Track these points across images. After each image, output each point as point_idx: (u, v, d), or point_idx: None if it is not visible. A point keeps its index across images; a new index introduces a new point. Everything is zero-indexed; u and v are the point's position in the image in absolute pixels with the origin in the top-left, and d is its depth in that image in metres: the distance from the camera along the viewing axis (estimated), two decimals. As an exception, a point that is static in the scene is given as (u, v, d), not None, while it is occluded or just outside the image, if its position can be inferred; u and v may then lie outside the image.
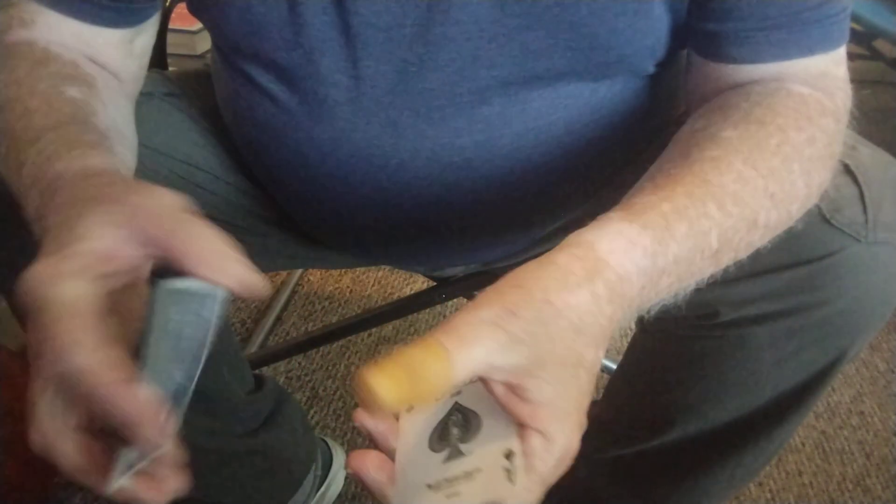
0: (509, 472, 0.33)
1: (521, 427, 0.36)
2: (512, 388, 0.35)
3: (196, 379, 0.38)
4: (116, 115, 0.52)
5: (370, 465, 0.37)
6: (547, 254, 0.38)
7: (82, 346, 0.33)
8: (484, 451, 0.36)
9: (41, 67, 0.50)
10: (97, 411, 0.34)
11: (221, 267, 0.35)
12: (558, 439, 0.35)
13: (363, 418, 0.38)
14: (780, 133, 0.45)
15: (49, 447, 0.35)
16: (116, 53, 0.56)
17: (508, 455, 0.34)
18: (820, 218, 0.51)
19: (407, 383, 0.33)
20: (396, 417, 0.39)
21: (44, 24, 0.53)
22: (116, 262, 0.36)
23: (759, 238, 0.45)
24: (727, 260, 0.44)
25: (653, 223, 0.39)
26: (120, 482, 0.35)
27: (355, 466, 0.37)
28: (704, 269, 0.43)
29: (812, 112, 0.47)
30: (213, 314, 0.35)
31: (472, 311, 0.35)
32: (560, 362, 0.35)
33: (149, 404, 0.34)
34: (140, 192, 0.37)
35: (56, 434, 0.35)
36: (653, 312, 0.42)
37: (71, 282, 0.34)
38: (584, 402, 0.37)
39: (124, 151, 0.49)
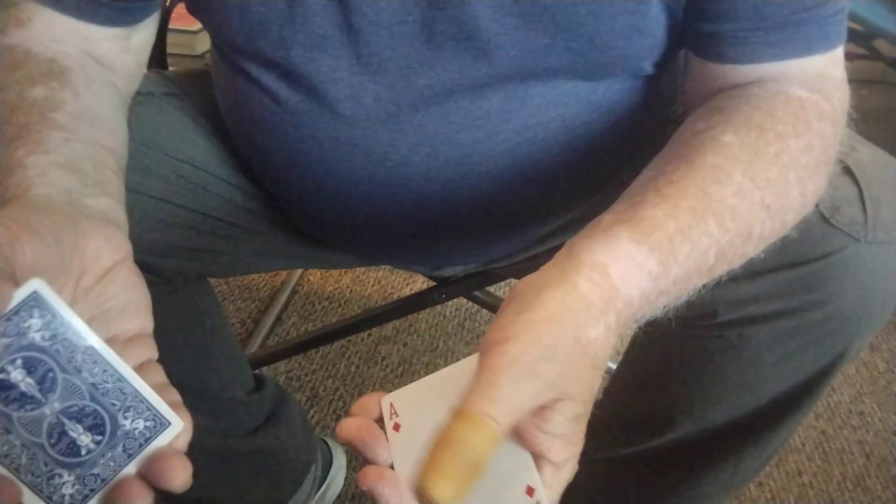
0: None
1: (536, 457, 0.36)
2: (535, 422, 0.35)
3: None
4: (92, 100, 0.51)
5: (386, 485, 0.37)
6: (565, 271, 0.37)
7: None
8: (502, 484, 0.35)
9: (13, 72, 0.50)
10: None
11: None
12: (567, 470, 0.36)
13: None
14: (779, 141, 0.45)
15: None
16: (113, 47, 0.56)
17: (530, 491, 0.34)
18: (820, 218, 0.51)
19: (466, 477, 0.32)
20: None
21: (41, 22, 0.53)
22: None
23: (753, 249, 0.45)
24: (720, 272, 0.44)
25: (660, 246, 0.40)
26: None
27: (370, 484, 0.37)
28: (699, 282, 0.43)
29: (810, 117, 0.47)
30: None
31: (508, 356, 0.34)
32: (582, 402, 0.36)
33: None
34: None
35: None
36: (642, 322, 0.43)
37: None
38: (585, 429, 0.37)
39: (98, 133, 0.49)
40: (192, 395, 0.71)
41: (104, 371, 0.35)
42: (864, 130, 0.55)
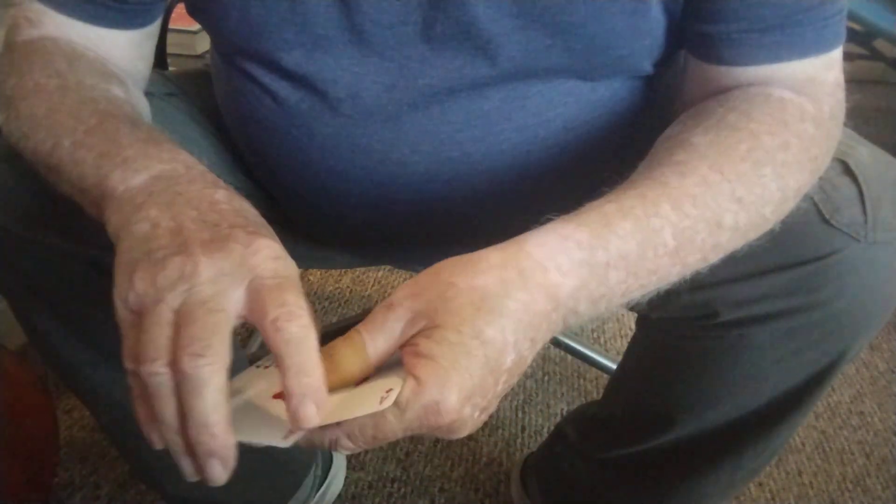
0: (382, 400, 0.36)
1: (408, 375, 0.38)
2: (410, 345, 0.39)
3: None
4: (146, 112, 0.53)
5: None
6: (484, 251, 0.40)
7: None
8: (371, 385, 0.39)
9: (77, 62, 0.51)
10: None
11: (296, 403, 0.36)
12: (429, 388, 0.37)
13: None
14: (752, 138, 0.45)
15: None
16: (127, 54, 0.56)
17: (388, 390, 0.37)
18: (819, 218, 0.51)
19: (332, 373, 0.37)
20: None
21: (51, 24, 0.53)
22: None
23: (728, 240, 0.45)
24: (694, 261, 0.44)
25: (589, 220, 0.41)
26: None
27: None
28: (663, 266, 0.43)
29: (788, 117, 0.47)
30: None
31: (387, 299, 0.39)
32: (454, 329, 0.37)
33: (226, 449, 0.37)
34: (253, 243, 0.39)
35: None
36: (624, 309, 0.44)
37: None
38: (475, 373, 0.37)
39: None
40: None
41: None
42: (864, 130, 0.55)
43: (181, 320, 0.36)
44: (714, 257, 0.45)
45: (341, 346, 0.39)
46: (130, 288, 0.37)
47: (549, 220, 0.42)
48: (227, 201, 0.41)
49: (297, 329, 0.36)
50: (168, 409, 0.36)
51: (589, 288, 0.40)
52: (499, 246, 0.41)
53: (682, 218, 0.42)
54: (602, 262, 0.40)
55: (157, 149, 0.43)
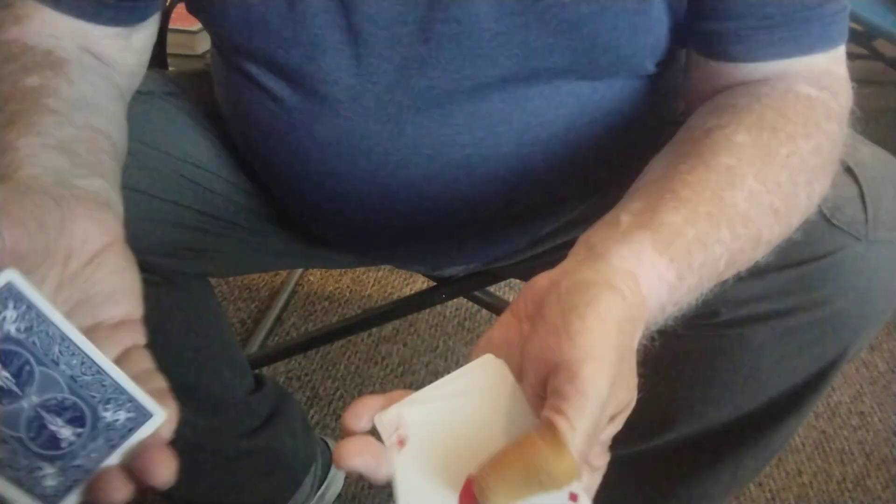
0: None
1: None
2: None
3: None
4: (87, 89, 0.51)
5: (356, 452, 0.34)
6: (604, 275, 0.36)
7: None
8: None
9: (8, 64, 0.50)
10: None
11: None
12: (601, 474, 0.36)
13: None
14: (790, 143, 0.45)
15: None
16: (114, 45, 0.56)
17: (573, 497, 0.32)
18: (820, 217, 0.51)
19: (523, 489, 0.31)
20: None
21: (39, 19, 0.53)
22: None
23: (761, 253, 0.45)
24: (727, 276, 0.44)
25: (679, 257, 0.39)
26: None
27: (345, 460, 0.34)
28: (707, 287, 0.43)
29: (820, 117, 0.47)
30: None
31: (594, 383, 0.32)
32: (625, 406, 0.37)
33: None
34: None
35: None
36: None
37: None
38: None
39: (93, 118, 0.48)
40: (192, 395, 0.71)
41: (83, 363, 0.34)
42: (865, 130, 0.55)
43: None
44: (743, 269, 0.45)
45: (550, 456, 0.31)
46: None
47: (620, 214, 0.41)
48: None
49: None
50: None
51: (654, 321, 0.40)
52: (629, 284, 0.37)
53: (735, 240, 0.42)
54: (674, 302, 0.40)
55: None
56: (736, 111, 0.47)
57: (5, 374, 0.33)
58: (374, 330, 1.25)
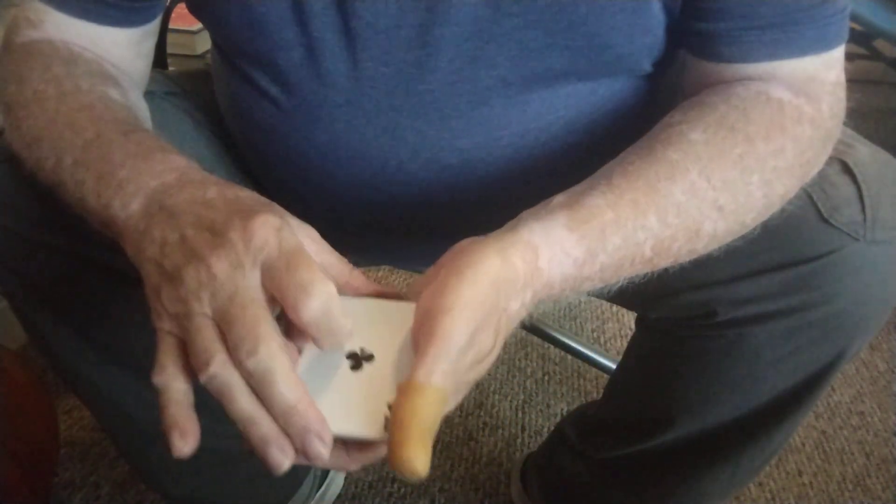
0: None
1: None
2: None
3: None
4: (144, 114, 0.53)
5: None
6: (504, 246, 0.40)
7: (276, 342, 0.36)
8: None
9: (73, 66, 0.51)
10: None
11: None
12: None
13: None
14: (747, 143, 0.46)
15: (165, 385, 0.39)
16: (126, 53, 0.56)
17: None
18: (819, 217, 0.51)
19: (430, 440, 0.35)
20: None
21: (51, 23, 0.53)
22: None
23: (704, 246, 0.46)
24: (664, 264, 0.46)
25: (590, 235, 0.42)
26: None
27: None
28: (635, 271, 0.45)
29: (786, 121, 0.47)
30: None
31: (457, 332, 0.37)
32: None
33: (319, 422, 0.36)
34: (249, 226, 0.38)
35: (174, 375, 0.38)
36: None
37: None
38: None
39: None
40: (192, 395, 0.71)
41: None
42: (864, 130, 0.55)
43: (221, 324, 0.36)
44: (685, 260, 0.46)
45: (431, 405, 0.36)
46: (163, 312, 0.38)
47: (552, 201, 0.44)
48: (219, 195, 0.41)
49: (318, 305, 0.36)
50: (242, 403, 0.37)
51: (562, 294, 0.43)
52: (524, 255, 0.40)
53: (664, 228, 0.44)
54: (584, 277, 0.43)
55: (147, 162, 0.44)
56: (702, 109, 0.48)
57: None
58: (374, 330, 1.25)
